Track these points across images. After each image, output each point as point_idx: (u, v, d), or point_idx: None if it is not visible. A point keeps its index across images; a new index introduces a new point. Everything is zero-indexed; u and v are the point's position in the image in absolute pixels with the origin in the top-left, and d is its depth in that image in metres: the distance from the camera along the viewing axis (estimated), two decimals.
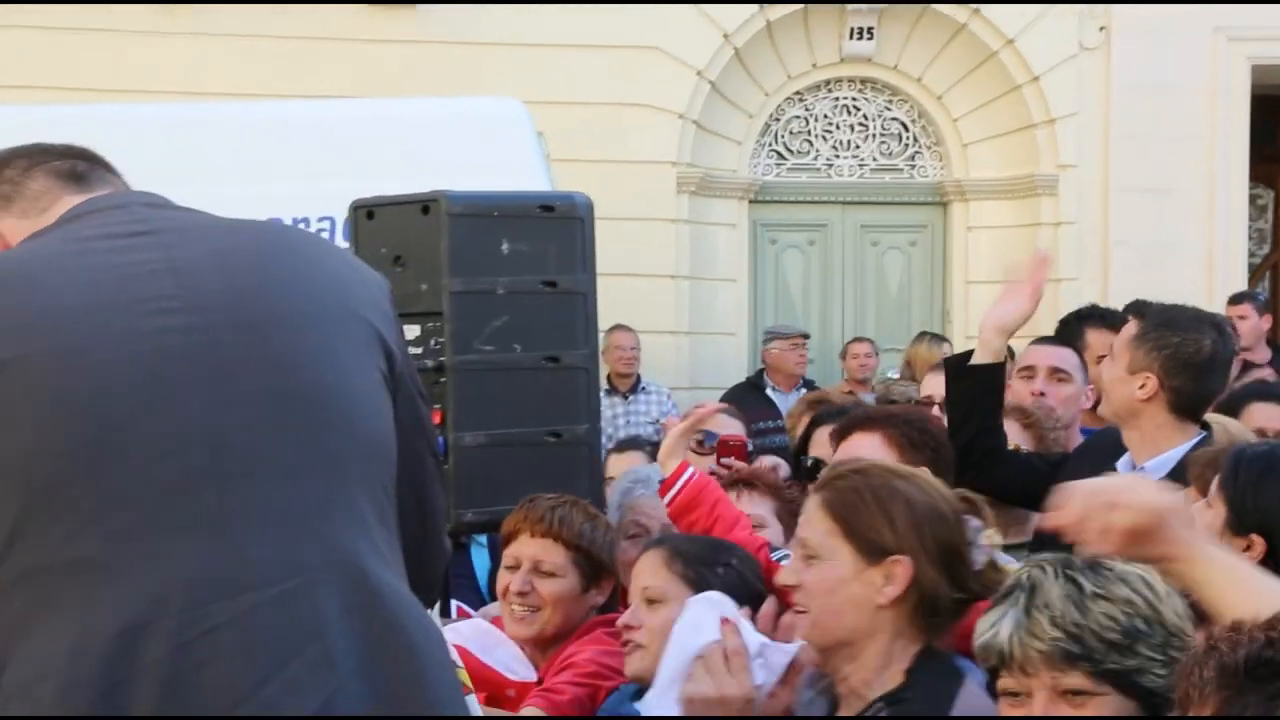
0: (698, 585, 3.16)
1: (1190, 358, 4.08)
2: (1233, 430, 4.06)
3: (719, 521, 3.53)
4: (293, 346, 2.16)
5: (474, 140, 6.71)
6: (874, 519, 2.66)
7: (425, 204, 3.93)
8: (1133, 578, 2.33)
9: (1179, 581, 2.38)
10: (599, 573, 3.64)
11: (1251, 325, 8.57)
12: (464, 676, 3.05)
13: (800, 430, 4.98)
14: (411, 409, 2.31)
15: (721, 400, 9.22)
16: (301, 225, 6.10)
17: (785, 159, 11.92)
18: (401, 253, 3.94)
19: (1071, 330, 5.63)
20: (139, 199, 2.30)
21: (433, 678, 2.13)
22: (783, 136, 11.90)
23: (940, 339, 9.14)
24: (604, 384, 9.22)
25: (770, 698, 2.84)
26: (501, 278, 3.95)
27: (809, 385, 9.89)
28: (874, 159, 11.97)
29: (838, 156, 11.95)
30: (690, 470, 3.56)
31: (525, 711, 3.31)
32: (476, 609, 4.23)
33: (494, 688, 3.44)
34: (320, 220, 6.43)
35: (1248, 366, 6.75)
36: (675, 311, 11.21)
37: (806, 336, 10.43)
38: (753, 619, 3.11)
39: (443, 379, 3.89)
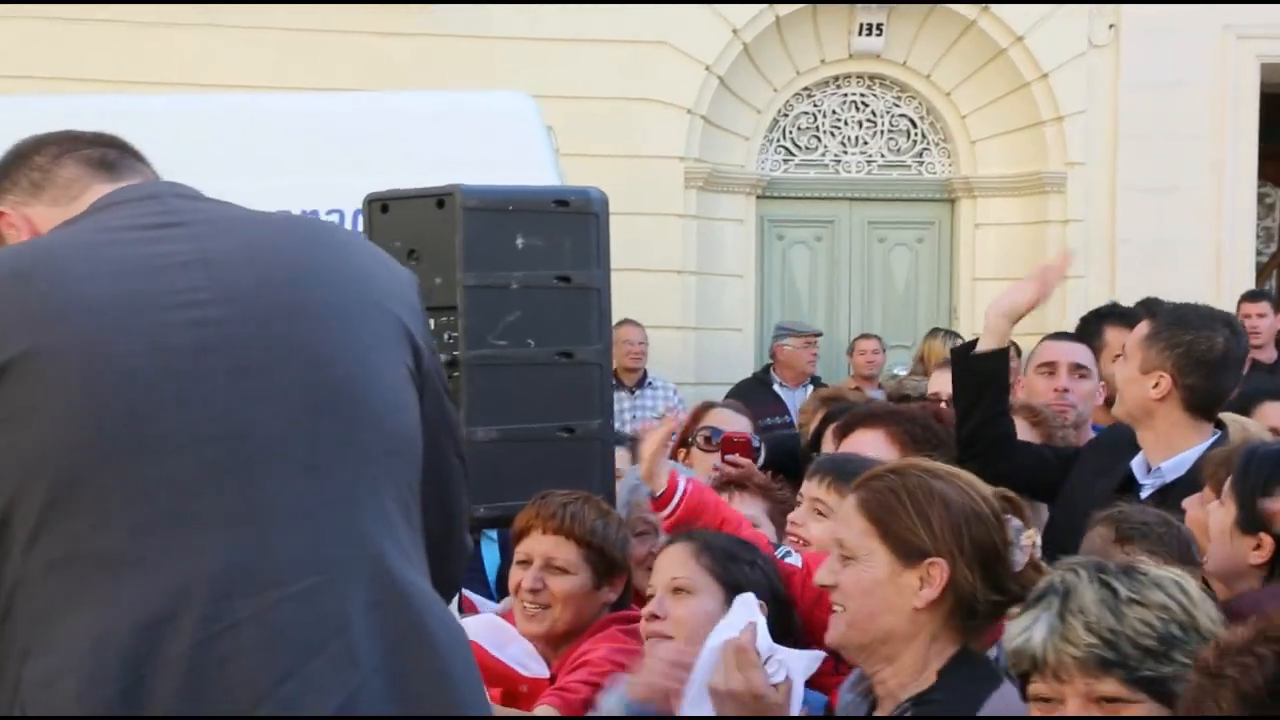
0: (725, 580, 3.16)
1: (1203, 356, 4.07)
2: (1251, 429, 4.06)
3: (726, 524, 3.51)
4: (322, 340, 2.14)
5: (483, 134, 6.70)
6: (911, 521, 2.63)
7: (440, 198, 3.91)
8: (1167, 582, 2.30)
9: None
10: (611, 570, 3.62)
11: (1270, 323, 8.59)
12: None
13: (813, 427, 4.97)
14: (438, 406, 2.29)
15: (728, 396, 9.24)
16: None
17: (793, 155, 11.91)
18: (415, 246, 3.92)
19: (1091, 328, 5.63)
20: (170, 189, 2.28)
21: (456, 676, 2.11)
22: (791, 132, 11.89)
23: (953, 334, 9.12)
24: None
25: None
26: (515, 272, 3.93)
27: (816, 382, 9.89)
28: (882, 155, 11.96)
29: (846, 153, 11.93)
30: (683, 481, 3.52)
31: (539, 711, 3.30)
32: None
33: (507, 683, 3.43)
34: (329, 213, 6.42)
35: (1256, 366, 6.74)
36: (682, 306, 11.20)
37: (819, 334, 10.44)
38: (770, 617, 3.11)
39: (456, 374, 3.88)
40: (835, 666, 3.17)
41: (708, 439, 4.84)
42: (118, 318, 2.06)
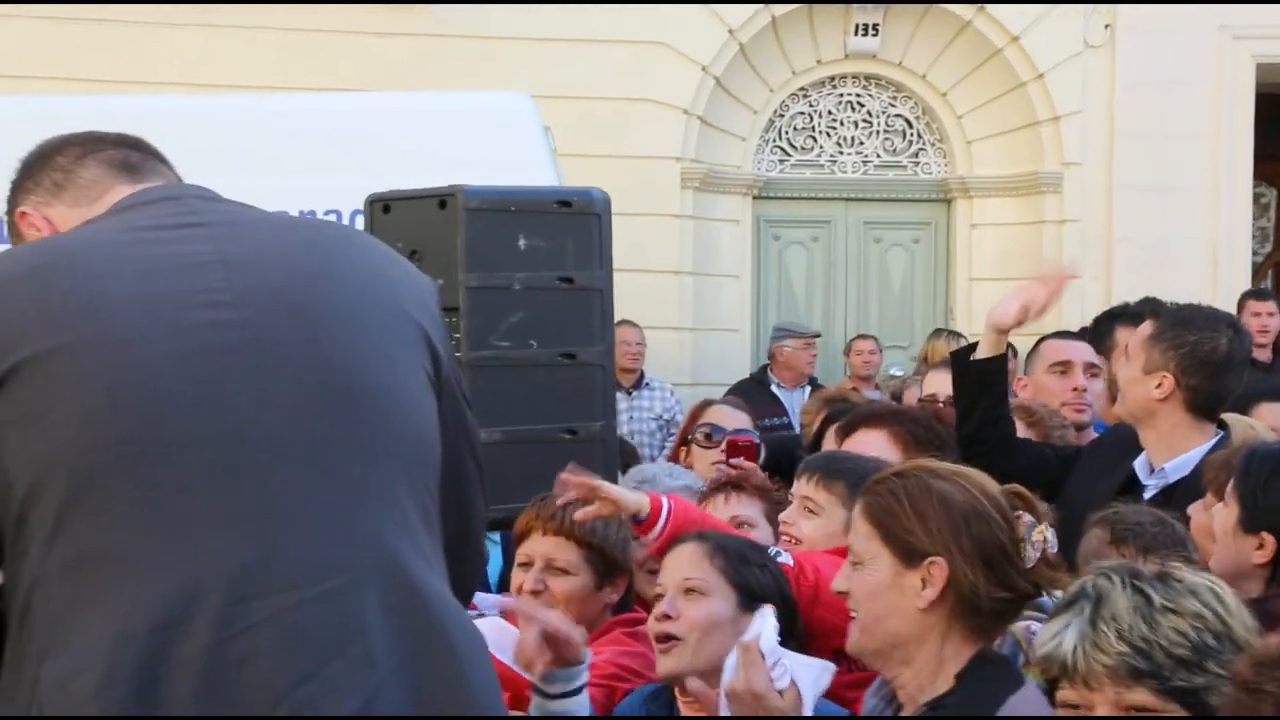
0: (738, 583, 3.14)
1: (1207, 357, 4.07)
2: (1258, 430, 4.06)
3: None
4: (341, 344, 2.14)
5: (481, 134, 6.71)
6: (908, 521, 2.64)
7: (442, 198, 3.92)
8: (1202, 590, 2.26)
9: None
10: (613, 570, 3.61)
11: (1278, 321, 8.62)
12: None
13: (815, 427, 4.97)
14: (456, 411, 2.29)
15: (725, 396, 9.24)
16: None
17: (789, 155, 11.90)
18: (417, 247, 3.93)
19: (1103, 328, 5.63)
20: (192, 191, 2.28)
21: (473, 680, 2.11)
22: (787, 133, 11.88)
23: (956, 335, 9.12)
24: None
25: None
26: (518, 273, 3.94)
27: (813, 383, 9.88)
28: (878, 156, 11.96)
29: (842, 153, 11.93)
30: (665, 502, 3.41)
31: None
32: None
33: (514, 688, 3.42)
34: (326, 213, 6.43)
35: (1253, 366, 6.74)
36: (679, 307, 11.19)
37: (818, 335, 10.45)
38: (779, 620, 3.11)
39: None
40: (849, 667, 3.17)
41: (708, 435, 4.84)
42: (137, 317, 2.06)
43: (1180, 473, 4.03)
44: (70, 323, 2.03)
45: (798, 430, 7.83)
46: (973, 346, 4.47)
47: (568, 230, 4.01)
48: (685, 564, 3.18)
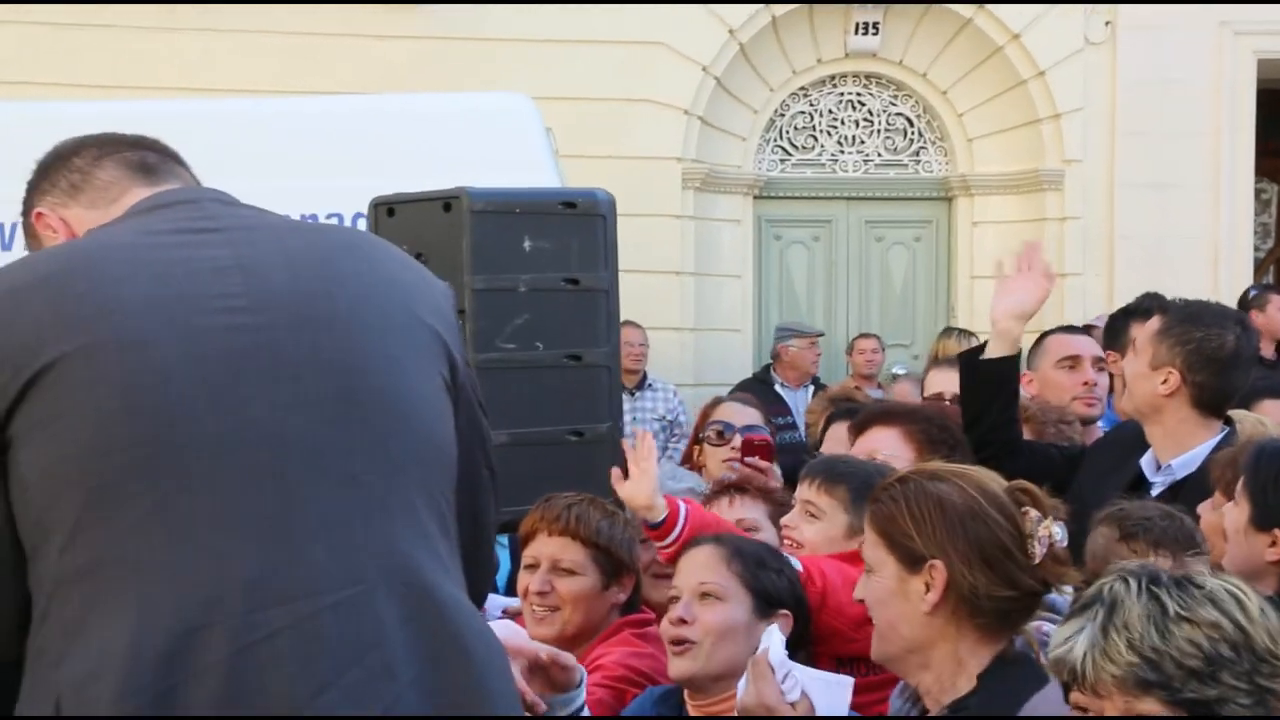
0: (754, 588, 3.14)
1: (1213, 353, 4.06)
2: (1268, 426, 4.05)
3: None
4: (357, 350, 2.13)
5: (483, 136, 6.70)
6: (907, 526, 2.65)
7: (447, 201, 3.91)
8: (1223, 597, 2.19)
9: None
10: (619, 570, 3.61)
11: None
12: None
13: (821, 427, 4.96)
14: (471, 418, 2.28)
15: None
16: (309, 221, 6.06)
17: (790, 155, 11.89)
18: (422, 250, 3.91)
19: (1118, 325, 5.63)
20: (209, 195, 2.27)
21: (492, 688, 2.10)
22: (788, 132, 11.87)
23: (967, 334, 9.10)
24: None
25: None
26: (523, 275, 3.93)
27: (816, 382, 9.88)
28: (879, 154, 11.95)
29: (842, 152, 11.92)
30: (682, 506, 3.44)
31: None
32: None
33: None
34: (327, 216, 6.41)
35: (1259, 363, 6.74)
36: (680, 308, 11.18)
37: (821, 334, 10.45)
38: (792, 623, 3.11)
39: None
40: (864, 671, 3.16)
41: (719, 433, 4.83)
42: (154, 320, 2.05)
43: (1187, 469, 4.02)
44: (86, 325, 2.02)
45: (802, 429, 7.83)
46: (981, 347, 4.44)
47: (573, 231, 4.00)
48: (701, 568, 3.18)
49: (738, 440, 4.64)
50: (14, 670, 2.02)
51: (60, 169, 2.34)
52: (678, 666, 3.15)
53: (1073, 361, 5.17)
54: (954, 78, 11.65)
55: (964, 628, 2.63)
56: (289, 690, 1.94)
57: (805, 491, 3.64)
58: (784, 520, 3.68)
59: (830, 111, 11.88)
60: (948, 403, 4.95)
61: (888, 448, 3.90)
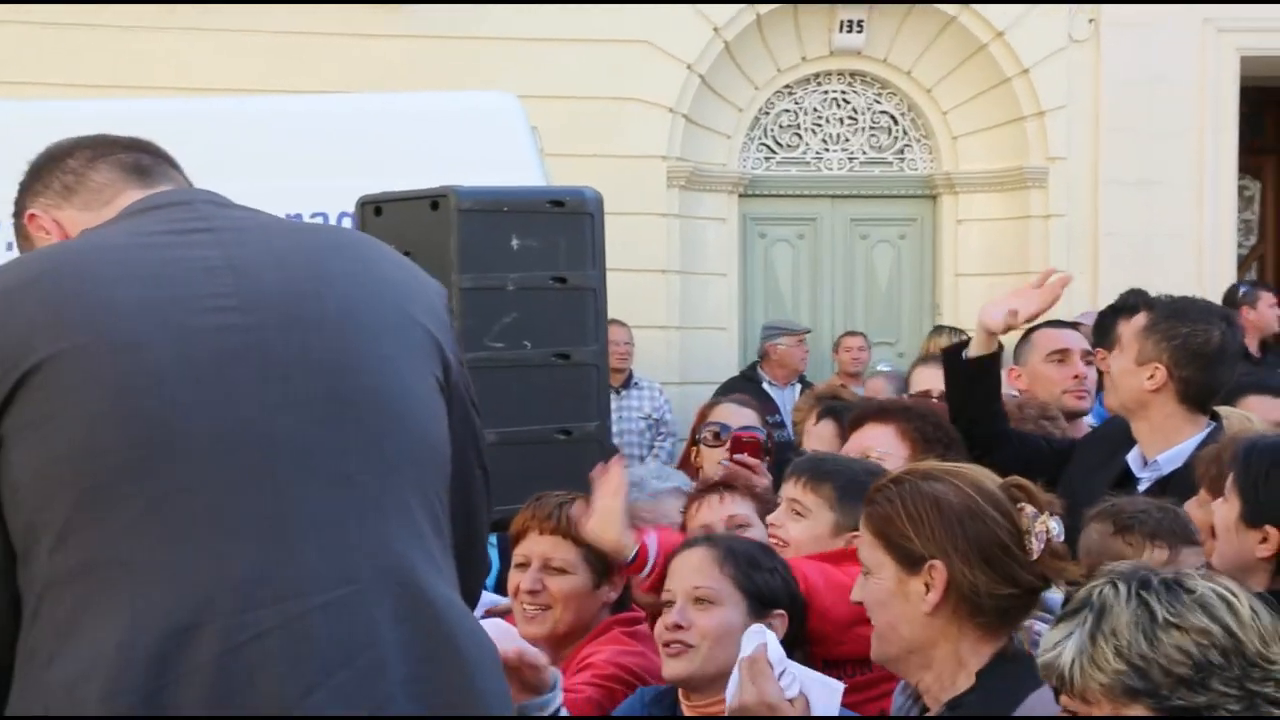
0: (749, 589, 3.13)
1: (1200, 349, 4.08)
2: (1254, 422, 4.06)
3: None
4: (350, 350, 2.13)
5: (468, 135, 6.67)
6: (904, 527, 2.64)
7: (434, 200, 3.91)
8: (1213, 601, 2.16)
9: None
10: (610, 569, 3.61)
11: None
12: None
13: (806, 425, 4.97)
14: (465, 419, 2.28)
15: (716, 394, 9.23)
16: (301, 222, 6.04)
17: (775, 153, 11.89)
18: (410, 249, 3.88)
19: (1106, 322, 5.66)
20: (202, 196, 2.27)
21: (484, 689, 2.09)
22: (772, 130, 11.87)
23: (958, 331, 9.11)
24: None
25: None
26: (511, 274, 3.93)
27: (803, 380, 9.88)
28: (863, 152, 11.95)
29: (827, 150, 11.92)
30: (650, 539, 3.41)
31: None
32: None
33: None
34: (312, 216, 6.38)
35: (1244, 359, 6.76)
36: (666, 306, 11.17)
37: (809, 332, 10.46)
38: (789, 624, 3.10)
39: None
40: (852, 673, 3.17)
41: (715, 435, 4.84)
42: (145, 321, 2.04)
43: (1173, 464, 4.04)
44: (77, 326, 2.02)
45: (790, 428, 7.84)
46: (964, 344, 4.47)
47: (560, 230, 4.00)
48: (695, 571, 3.17)
49: None
50: (5, 673, 2.02)
51: (54, 170, 2.34)
52: (673, 667, 3.14)
53: (1061, 355, 5.20)
54: (938, 75, 11.66)
55: (965, 627, 2.62)
56: (278, 690, 1.94)
57: (791, 490, 3.64)
58: (770, 519, 3.68)
59: (815, 109, 11.88)
60: (935, 400, 4.97)
61: (882, 445, 3.90)
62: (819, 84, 11.86)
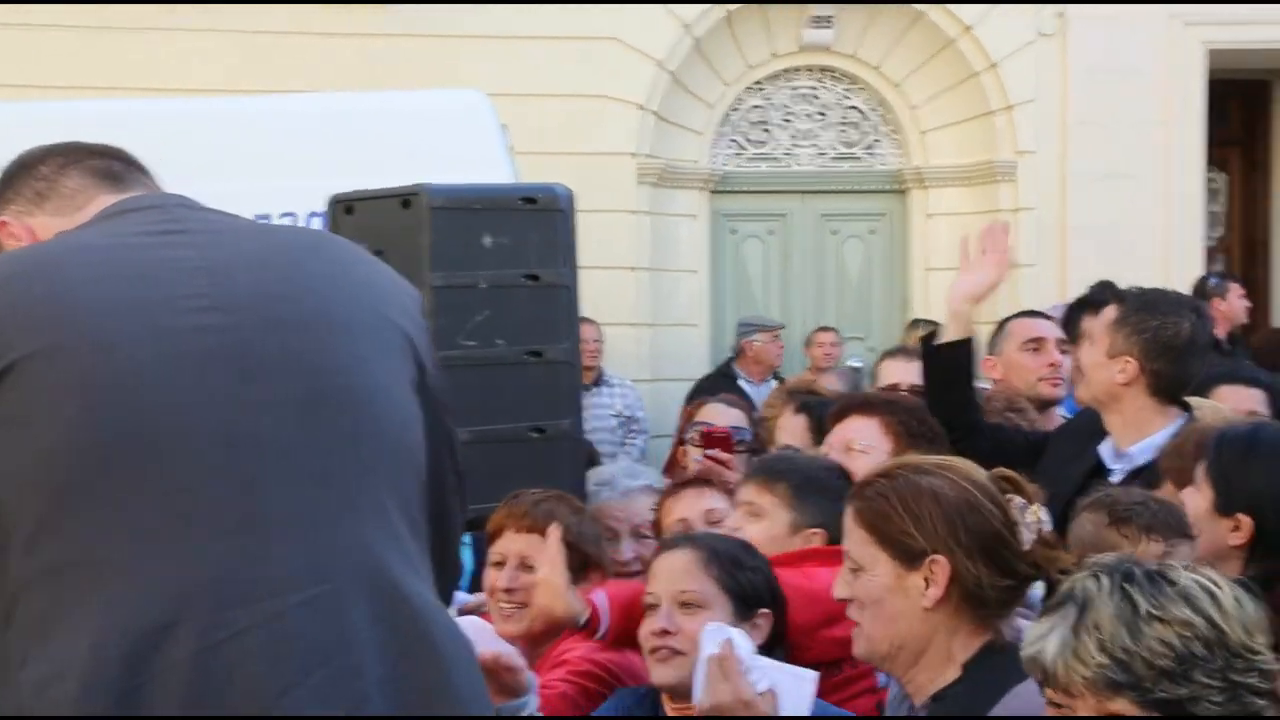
0: (734, 590, 3.10)
1: (1170, 340, 4.10)
2: (1226, 414, 4.08)
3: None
4: (326, 350, 2.13)
5: (437, 133, 6.66)
6: (903, 523, 2.61)
7: (406, 198, 3.90)
8: (1196, 593, 2.16)
9: None
10: (587, 566, 3.61)
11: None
12: None
13: (780, 419, 4.97)
14: (439, 421, 2.27)
15: (691, 392, 9.24)
16: (262, 222, 6.00)
17: (745, 149, 11.90)
18: (382, 247, 3.87)
19: (1071, 317, 5.69)
20: (174, 200, 2.28)
21: (460, 689, 2.09)
22: (742, 126, 11.88)
23: (935, 324, 9.10)
24: None
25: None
26: (483, 271, 3.92)
27: (778, 376, 9.89)
28: (833, 148, 11.97)
29: (797, 145, 11.94)
30: (598, 595, 3.36)
31: None
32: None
33: None
34: (281, 216, 6.35)
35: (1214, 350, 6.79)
36: (636, 303, 11.16)
37: (783, 327, 10.47)
38: (773, 622, 3.09)
39: None
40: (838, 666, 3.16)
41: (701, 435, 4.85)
42: (121, 320, 2.04)
43: (1145, 456, 4.05)
44: (48, 327, 2.02)
45: None
46: (936, 334, 4.49)
47: (532, 227, 3.99)
48: (680, 575, 3.13)
49: None
50: None
51: (25, 177, 2.34)
52: (662, 674, 3.10)
53: (1036, 344, 5.24)
54: (907, 70, 11.68)
55: (961, 620, 2.61)
56: (256, 689, 1.94)
57: (745, 493, 3.63)
58: (727, 523, 3.67)
59: (785, 105, 11.89)
60: (906, 392, 4.98)
61: (866, 438, 3.89)
62: (788, 80, 11.87)
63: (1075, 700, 2.17)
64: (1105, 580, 2.19)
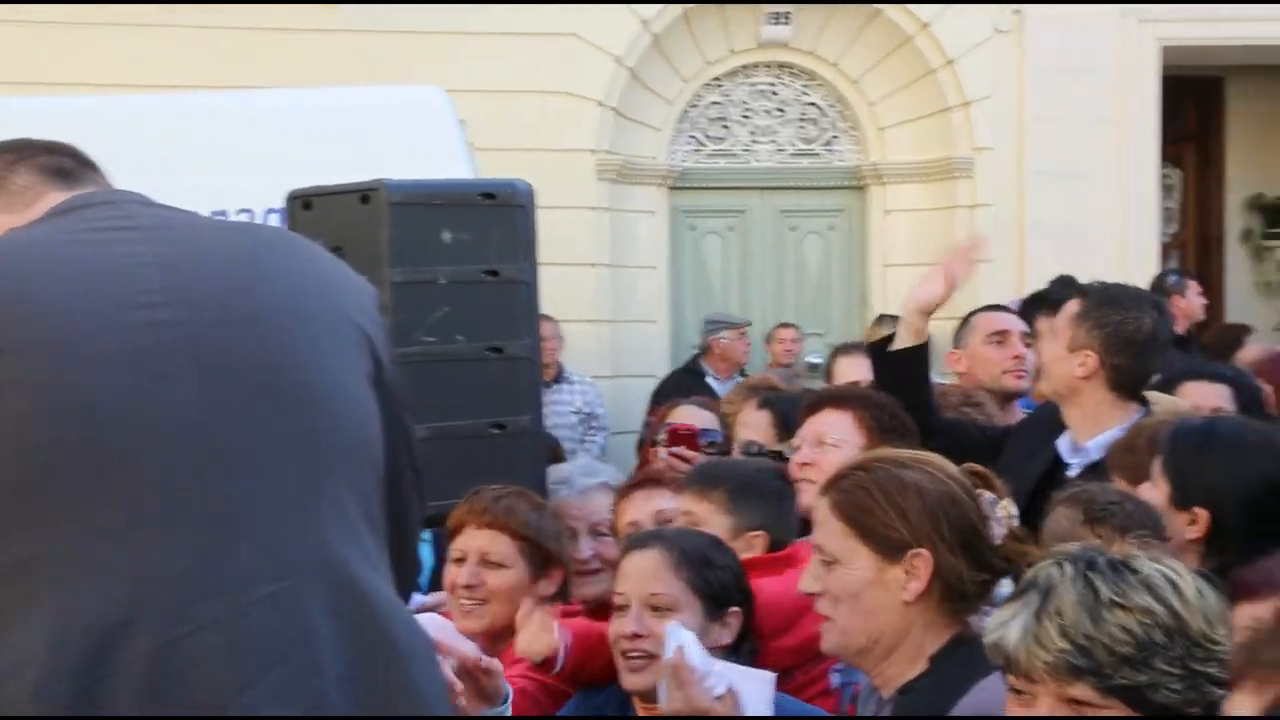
0: (704, 591, 3.08)
1: (1131, 336, 4.12)
2: (1181, 408, 4.11)
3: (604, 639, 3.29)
4: (282, 345, 2.12)
5: (395, 129, 6.64)
6: (886, 516, 2.59)
7: (365, 193, 3.88)
8: (1158, 582, 2.17)
9: None
10: (548, 562, 3.61)
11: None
12: None
13: (741, 415, 4.97)
14: (396, 418, 2.27)
15: (657, 389, 9.23)
16: (232, 220, 5.97)
17: (704, 145, 11.91)
18: (341, 243, 3.85)
19: (1027, 315, 5.72)
20: (127, 196, 2.26)
21: (420, 684, 2.09)
22: (701, 123, 11.88)
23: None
24: None
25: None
26: (443, 267, 3.90)
27: (744, 373, 9.89)
28: (792, 144, 11.99)
29: (756, 142, 11.95)
30: (559, 633, 3.30)
31: None
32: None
33: None
34: (238, 213, 6.33)
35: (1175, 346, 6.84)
36: (596, 299, 11.15)
37: (749, 324, 10.48)
38: (743, 619, 3.08)
39: None
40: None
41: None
42: (76, 318, 2.03)
43: (1102, 450, 4.07)
44: (7, 324, 2.00)
45: None
46: (890, 338, 4.48)
47: (492, 223, 3.98)
48: (650, 577, 3.09)
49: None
50: None
51: None
52: (634, 680, 3.07)
53: (1001, 337, 5.29)
54: (865, 67, 11.71)
55: (938, 614, 2.60)
56: (215, 685, 1.93)
57: (683, 503, 3.62)
58: (676, 523, 3.66)
59: (743, 102, 11.90)
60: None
61: (838, 431, 3.89)
62: (747, 76, 11.89)
63: (1036, 686, 2.18)
64: (1068, 567, 2.20)
